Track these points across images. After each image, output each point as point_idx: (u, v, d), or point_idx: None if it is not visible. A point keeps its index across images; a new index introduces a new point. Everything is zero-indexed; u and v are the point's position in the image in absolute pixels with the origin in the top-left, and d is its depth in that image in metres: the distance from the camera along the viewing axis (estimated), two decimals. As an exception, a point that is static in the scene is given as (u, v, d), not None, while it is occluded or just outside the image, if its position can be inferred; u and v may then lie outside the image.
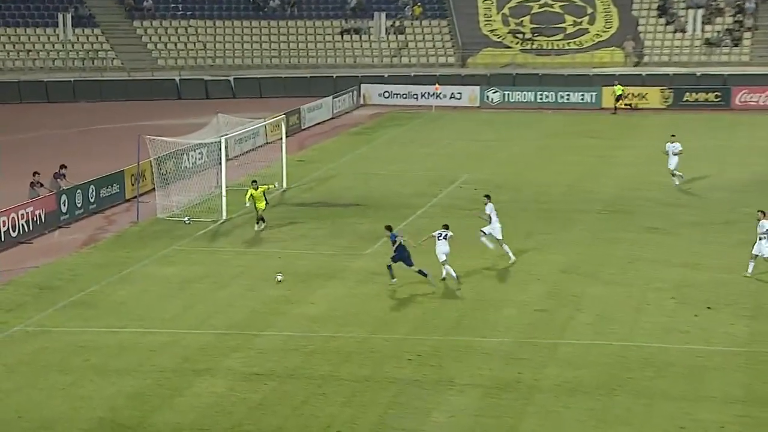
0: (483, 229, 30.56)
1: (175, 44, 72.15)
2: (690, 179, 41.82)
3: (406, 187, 41.86)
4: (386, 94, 66.51)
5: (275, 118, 48.19)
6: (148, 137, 37.72)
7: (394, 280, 28.35)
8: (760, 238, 28.77)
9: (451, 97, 64.94)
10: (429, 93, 65.04)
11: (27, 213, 34.04)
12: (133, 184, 39.53)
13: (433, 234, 28.77)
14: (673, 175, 40.82)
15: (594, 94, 63.98)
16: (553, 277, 29.45)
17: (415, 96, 65.88)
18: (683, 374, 22.40)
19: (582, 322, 25.82)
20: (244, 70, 70.69)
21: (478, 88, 65.43)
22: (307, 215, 37.10)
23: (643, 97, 63.42)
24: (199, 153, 43.52)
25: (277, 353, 23.78)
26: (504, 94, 65.08)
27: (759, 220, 28.98)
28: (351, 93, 64.89)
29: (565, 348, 24.03)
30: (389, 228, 28.92)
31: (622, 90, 62.28)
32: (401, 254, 28.20)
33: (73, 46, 70.29)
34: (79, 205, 36.94)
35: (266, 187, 34.88)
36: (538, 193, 40.56)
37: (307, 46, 72.80)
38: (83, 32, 71.26)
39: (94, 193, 37.81)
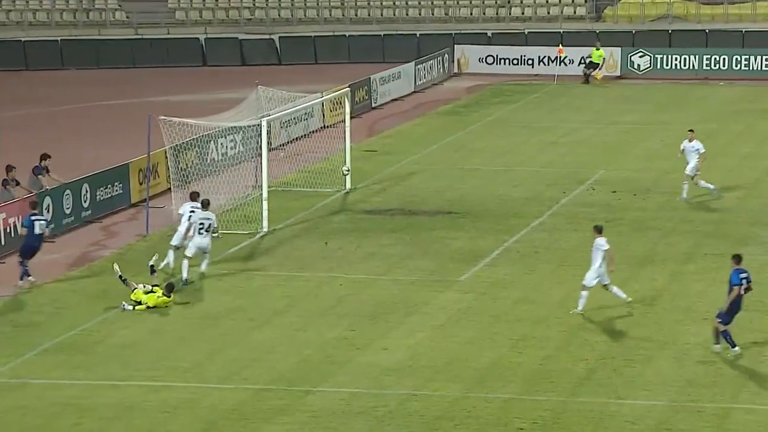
0: (172, 242, 32.24)
1: (200, -10, 72.92)
2: None
3: (516, 188, 41.79)
4: (489, 60, 66.46)
5: (336, 92, 48.42)
6: (162, 118, 38.12)
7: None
8: (594, 261, 28.95)
9: (580, 64, 64.69)
10: (550, 58, 64.86)
11: (-3, 222, 34.59)
12: (141, 183, 40.00)
13: (191, 221, 31.27)
14: (692, 179, 38.99)
15: (785, 58, 63.56)
16: (723, 316, 29.22)
17: (529, 62, 65.74)
18: None
19: (765, 378, 25.59)
20: (294, 26, 71.17)
21: (618, 50, 65.06)
22: (379, 226, 37.19)
23: None
24: (232, 140, 43.86)
25: (337, 417, 23.89)
26: (655, 59, 64.66)
27: (596, 238, 29.28)
28: (441, 58, 64.98)
29: (741, 415, 23.85)
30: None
31: (602, 56, 61.40)
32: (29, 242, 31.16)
33: (60, -6, 71.38)
34: (67, 212, 37.44)
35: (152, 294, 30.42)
36: (702, 198, 40.21)
37: (380, -7, 73.06)
38: (75, -26, 72.36)
39: (88, 194, 38.30)
